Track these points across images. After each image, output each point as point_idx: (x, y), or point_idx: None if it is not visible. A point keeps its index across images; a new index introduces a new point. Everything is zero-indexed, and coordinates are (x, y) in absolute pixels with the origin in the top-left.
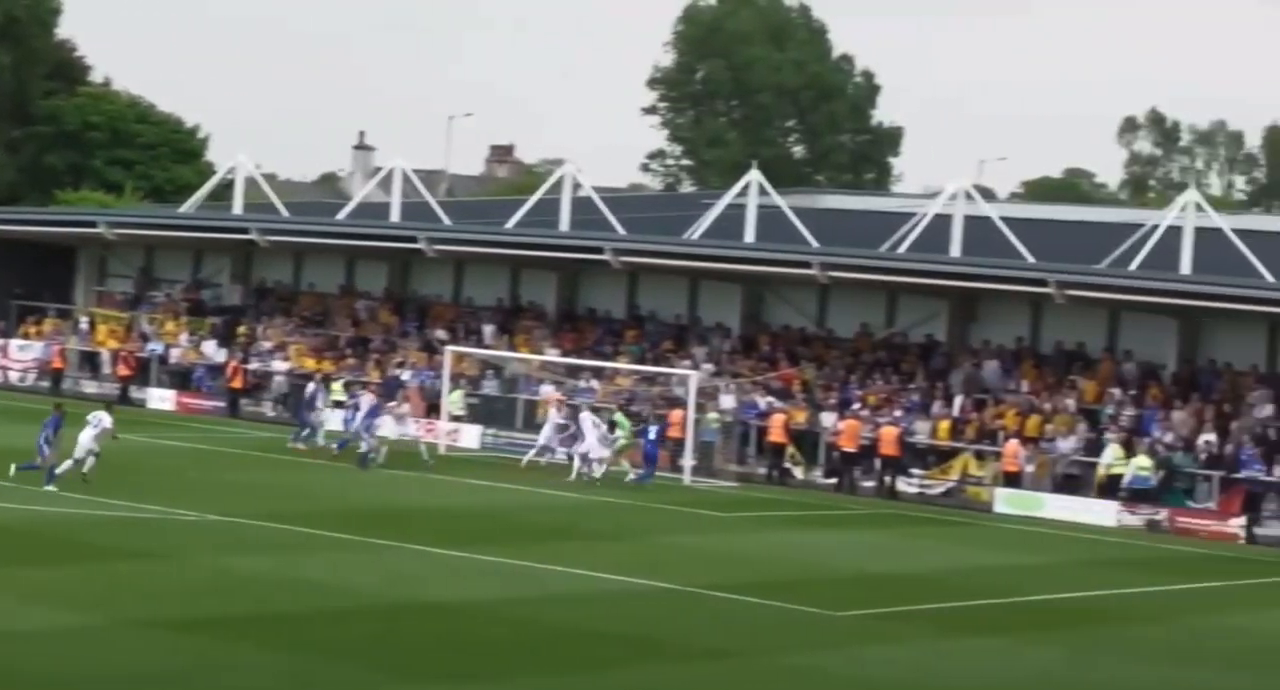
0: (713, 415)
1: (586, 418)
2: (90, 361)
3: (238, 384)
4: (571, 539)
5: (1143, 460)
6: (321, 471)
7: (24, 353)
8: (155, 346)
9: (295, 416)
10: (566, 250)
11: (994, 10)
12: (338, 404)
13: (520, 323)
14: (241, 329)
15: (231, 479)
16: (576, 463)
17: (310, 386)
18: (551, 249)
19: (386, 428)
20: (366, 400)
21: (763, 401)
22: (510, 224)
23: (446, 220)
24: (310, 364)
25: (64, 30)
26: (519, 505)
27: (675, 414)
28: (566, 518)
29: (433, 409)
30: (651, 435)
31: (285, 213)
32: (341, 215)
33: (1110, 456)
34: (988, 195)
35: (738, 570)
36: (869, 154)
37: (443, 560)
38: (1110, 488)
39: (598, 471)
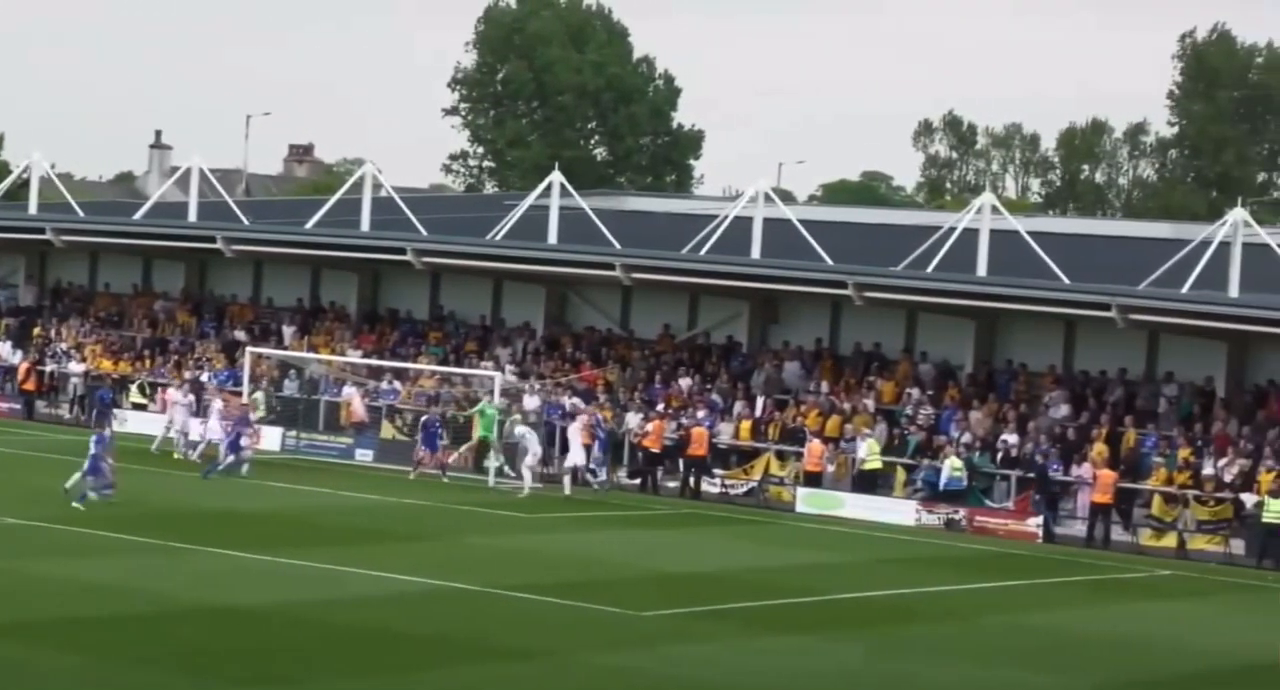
0: (517, 416)
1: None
2: None
3: (31, 386)
4: (374, 541)
5: (955, 462)
6: (122, 475)
7: None
8: None
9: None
10: (368, 250)
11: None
12: (136, 406)
13: (321, 323)
14: (37, 330)
15: (29, 482)
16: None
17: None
18: (353, 249)
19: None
20: (218, 405)
21: (568, 402)
22: (310, 224)
23: (245, 220)
24: (108, 365)
25: None
26: (321, 508)
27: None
28: (369, 520)
29: None
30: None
31: (81, 212)
32: (138, 215)
33: (864, 451)
34: (787, 198)
35: (540, 571)
36: (670, 156)
37: (245, 563)
38: (862, 483)
39: None
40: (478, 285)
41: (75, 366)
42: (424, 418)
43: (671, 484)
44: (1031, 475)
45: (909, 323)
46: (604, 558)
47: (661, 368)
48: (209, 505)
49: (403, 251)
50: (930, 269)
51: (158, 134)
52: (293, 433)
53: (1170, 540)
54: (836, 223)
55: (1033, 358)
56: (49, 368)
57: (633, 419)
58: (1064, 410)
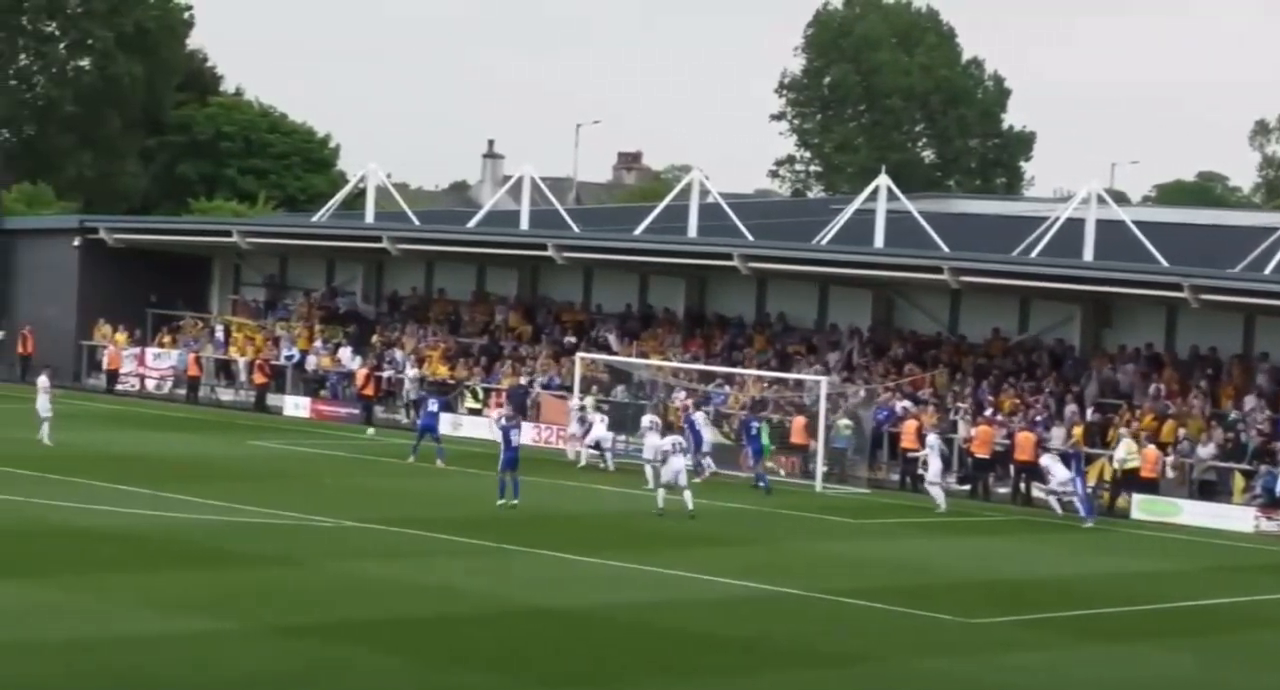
0: (843, 421)
1: (699, 417)
2: (225, 369)
3: (369, 392)
4: (699, 544)
5: None
6: (453, 477)
7: (160, 361)
8: (291, 354)
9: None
10: (695, 256)
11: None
12: (471, 411)
13: (649, 329)
14: (375, 336)
15: (366, 485)
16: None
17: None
18: (680, 255)
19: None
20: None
21: (897, 407)
22: (638, 230)
23: (575, 227)
24: (443, 371)
25: (195, 41)
26: (646, 512)
27: (798, 420)
28: (695, 524)
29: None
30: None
31: (416, 221)
32: (472, 223)
33: (1123, 452)
34: (1120, 199)
35: (867, 576)
36: (999, 158)
37: (571, 566)
38: (1127, 484)
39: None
40: (804, 290)
41: (410, 372)
42: (748, 421)
43: (1002, 490)
44: None
45: (1246, 325)
46: (931, 564)
47: (991, 372)
48: (536, 508)
49: (729, 257)
50: (1268, 271)
51: (490, 143)
52: (621, 437)
53: None
54: (1171, 224)
55: None
56: (386, 373)
57: (961, 424)
58: None
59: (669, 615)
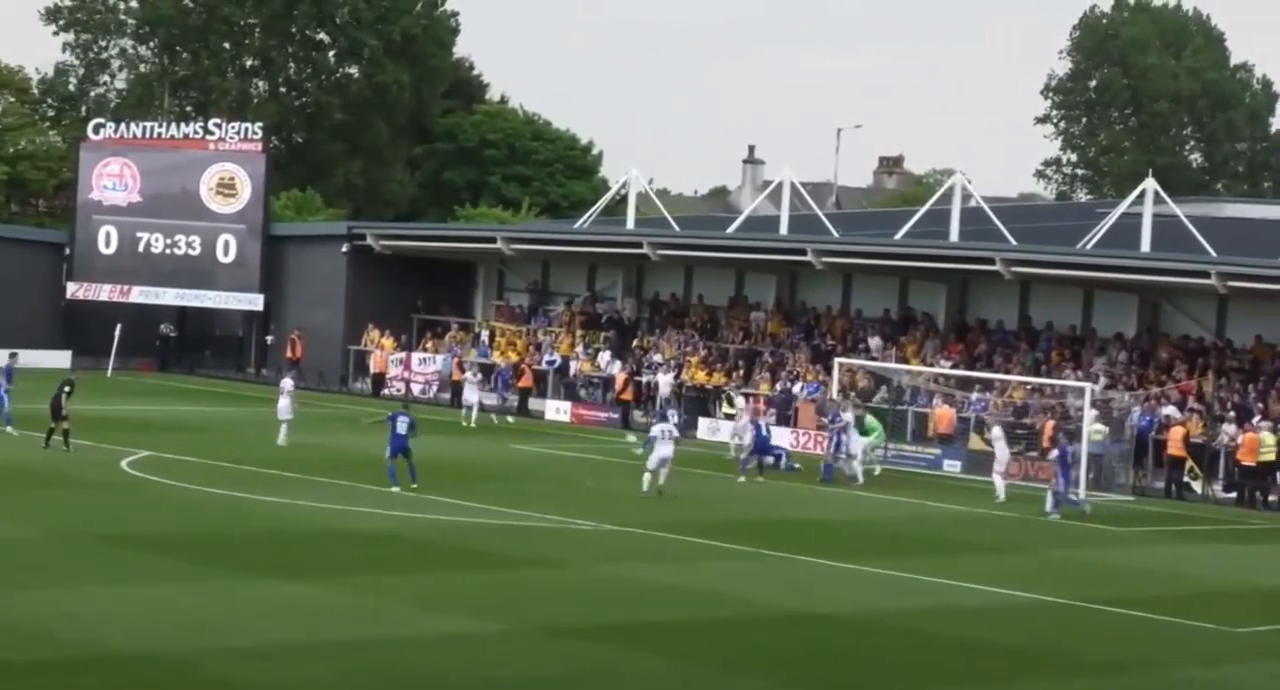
0: (1095, 427)
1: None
2: (489, 374)
3: (628, 396)
4: (959, 552)
5: None
6: (712, 483)
7: (425, 365)
8: (553, 358)
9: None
10: (956, 261)
11: None
12: (727, 416)
13: (910, 334)
14: (635, 341)
15: (625, 489)
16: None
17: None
18: (941, 259)
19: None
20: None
21: (1162, 413)
22: (899, 235)
23: (835, 232)
24: (702, 377)
25: (461, 49)
26: (905, 517)
27: (1048, 425)
28: (954, 530)
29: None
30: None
31: (676, 227)
32: (731, 229)
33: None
34: None
35: (1130, 585)
36: (1268, 162)
37: (832, 571)
38: None
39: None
40: (1068, 295)
41: (664, 377)
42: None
43: (1272, 498)
44: None
45: None
46: (1197, 572)
47: (1260, 378)
48: (795, 514)
49: (992, 261)
50: None
51: (750, 149)
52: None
53: None
54: None
55: None
56: (644, 378)
57: (1227, 431)
58: None
59: (935, 621)
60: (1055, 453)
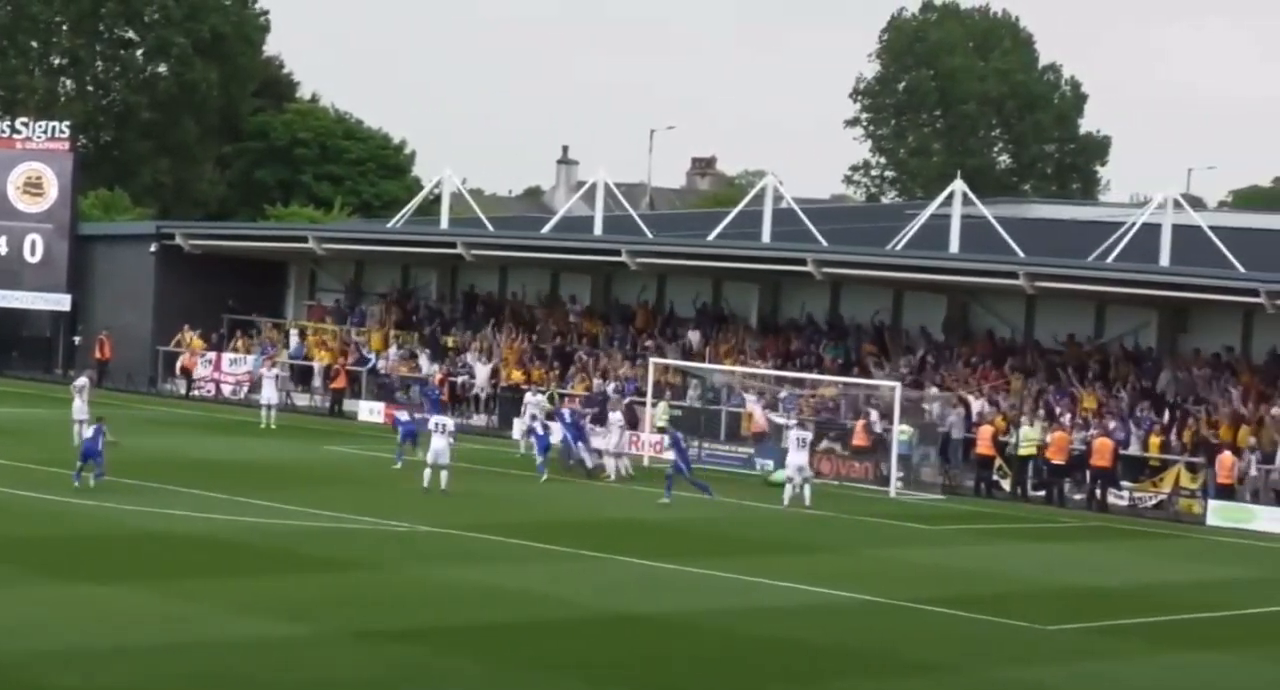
0: (903, 426)
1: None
2: (302, 374)
3: (443, 397)
4: (776, 552)
5: None
6: (527, 483)
7: (235, 366)
8: (370, 358)
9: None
10: (769, 261)
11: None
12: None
13: (723, 333)
14: (450, 340)
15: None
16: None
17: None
18: (754, 260)
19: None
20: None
21: (968, 411)
22: (712, 236)
23: (649, 233)
24: (518, 375)
25: (271, 47)
26: (723, 518)
27: (859, 423)
28: (770, 530)
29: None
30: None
31: (490, 227)
32: (546, 229)
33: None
34: (1197, 204)
35: (943, 583)
36: (1075, 163)
37: (652, 572)
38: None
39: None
40: (878, 295)
41: (482, 374)
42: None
43: (1078, 497)
44: None
45: None
46: (1008, 571)
47: (1065, 377)
48: (612, 515)
49: (803, 262)
50: None
51: (564, 149)
52: (694, 442)
53: None
54: (1248, 229)
55: None
56: (460, 378)
57: (1030, 430)
58: None
59: (751, 621)
60: (668, 439)
